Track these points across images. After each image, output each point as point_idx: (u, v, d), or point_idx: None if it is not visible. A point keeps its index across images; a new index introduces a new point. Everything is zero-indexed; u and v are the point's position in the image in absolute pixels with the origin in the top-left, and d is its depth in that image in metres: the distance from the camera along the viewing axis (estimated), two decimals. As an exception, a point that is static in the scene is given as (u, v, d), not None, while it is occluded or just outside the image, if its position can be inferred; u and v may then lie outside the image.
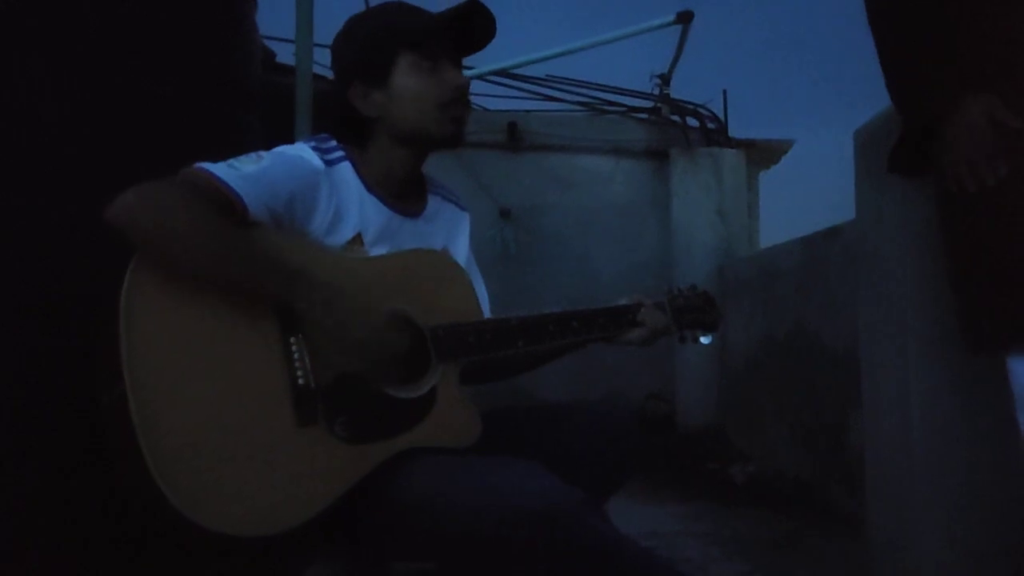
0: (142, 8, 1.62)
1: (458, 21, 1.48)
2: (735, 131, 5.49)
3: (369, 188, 1.47)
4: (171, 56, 1.65)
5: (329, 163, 1.43)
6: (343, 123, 1.51)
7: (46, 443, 1.44)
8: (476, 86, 5.06)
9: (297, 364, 1.27)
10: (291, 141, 1.50)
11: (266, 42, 3.30)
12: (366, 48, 1.49)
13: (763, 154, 5.80)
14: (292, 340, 1.28)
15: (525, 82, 5.50)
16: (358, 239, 1.44)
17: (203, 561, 1.27)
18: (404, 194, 1.54)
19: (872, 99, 2.18)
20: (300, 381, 1.26)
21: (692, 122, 5.47)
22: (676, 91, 5.60)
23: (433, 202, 1.61)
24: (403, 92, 1.47)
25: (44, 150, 1.52)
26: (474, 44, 1.55)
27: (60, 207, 1.48)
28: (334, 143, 1.48)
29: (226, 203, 1.28)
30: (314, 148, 1.44)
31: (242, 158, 1.34)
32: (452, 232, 1.64)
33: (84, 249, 1.29)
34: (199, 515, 1.15)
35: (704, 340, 1.75)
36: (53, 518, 1.45)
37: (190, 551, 1.26)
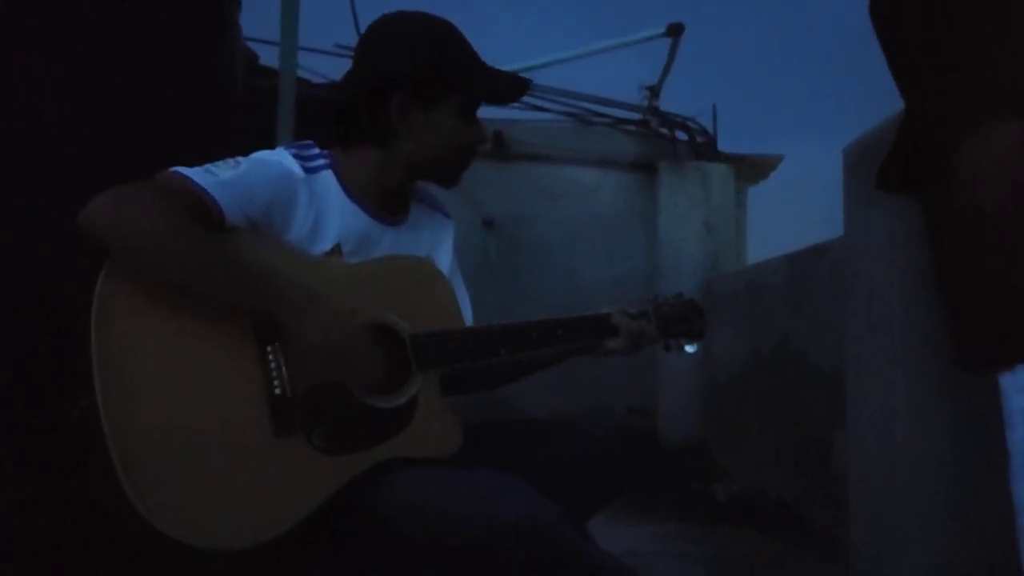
0: (139, 9, 1.65)
1: (508, 86, 1.53)
2: (724, 145, 5.50)
3: (351, 195, 1.45)
4: (155, 58, 1.68)
5: (310, 171, 1.41)
6: (357, 121, 1.47)
7: (46, 443, 1.45)
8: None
9: (274, 373, 1.26)
10: (273, 144, 1.48)
11: (249, 44, 3.27)
12: (432, 67, 1.46)
13: (752, 169, 5.80)
14: (269, 349, 1.26)
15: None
16: (337, 250, 1.42)
17: (200, 563, 1.26)
18: (387, 202, 1.52)
19: (862, 116, 2.17)
20: (277, 390, 1.25)
21: (681, 135, 5.47)
22: (665, 104, 5.58)
23: (416, 210, 1.59)
24: (442, 127, 1.47)
25: (44, 150, 1.53)
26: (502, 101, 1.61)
27: (60, 207, 1.49)
28: (316, 150, 1.45)
29: (203, 208, 1.26)
30: (295, 155, 1.42)
31: (220, 163, 1.33)
32: (435, 241, 1.62)
33: (84, 249, 1.28)
34: (171, 528, 1.14)
35: (689, 349, 1.73)
36: (53, 518, 1.47)
37: (163, 561, 1.24)
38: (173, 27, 1.70)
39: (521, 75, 1.56)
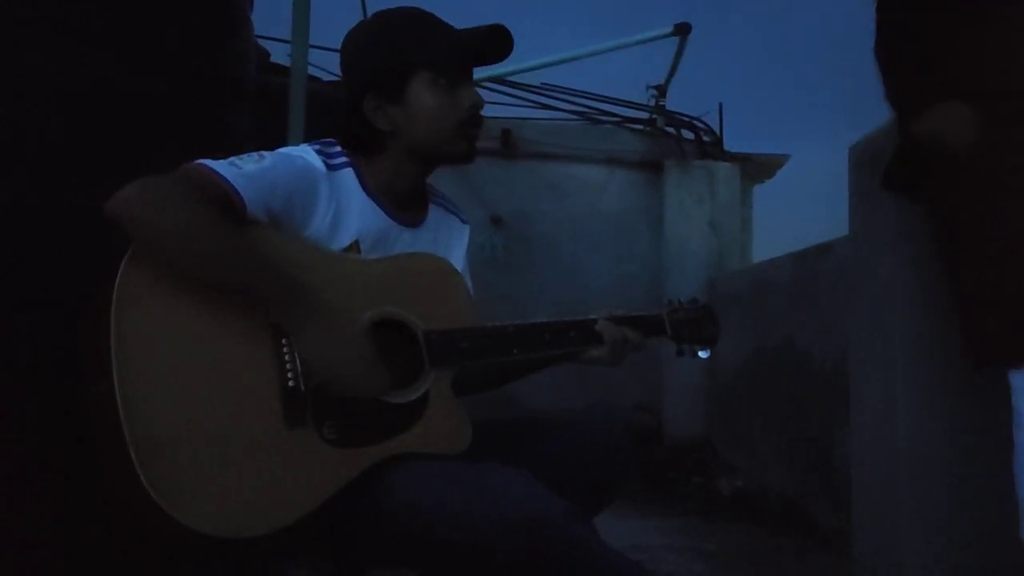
0: (141, 6, 1.62)
1: (478, 42, 1.48)
2: (730, 144, 5.51)
3: (370, 195, 1.46)
4: (168, 55, 1.66)
5: (332, 167, 1.42)
6: (353, 135, 1.48)
7: (46, 443, 1.44)
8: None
9: (288, 366, 1.26)
10: (284, 142, 1.48)
11: (261, 42, 3.28)
12: (383, 61, 1.46)
13: (758, 168, 5.80)
14: (284, 341, 1.27)
15: (520, 89, 5.49)
16: (355, 246, 1.43)
17: (194, 559, 1.27)
18: (406, 203, 1.53)
19: (868, 116, 2.19)
20: (290, 383, 1.26)
21: (687, 134, 5.48)
22: (672, 103, 5.60)
23: (434, 213, 1.60)
24: (419, 110, 1.45)
25: (43, 149, 1.52)
26: (488, 59, 1.54)
27: (59, 206, 1.48)
28: (339, 148, 1.46)
29: (226, 201, 1.27)
30: (318, 151, 1.43)
31: (244, 157, 1.33)
32: (450, 244, 1.63)
33: (82, 247, 1.29)
34: (181, 513, 1.14)
35: (703, 355, 1.72)
36: (53, 518, 1.45)
37: (171, 549, 1.26)
38: (183, 24, 1.70)
39: (501, 26, 1.46)
